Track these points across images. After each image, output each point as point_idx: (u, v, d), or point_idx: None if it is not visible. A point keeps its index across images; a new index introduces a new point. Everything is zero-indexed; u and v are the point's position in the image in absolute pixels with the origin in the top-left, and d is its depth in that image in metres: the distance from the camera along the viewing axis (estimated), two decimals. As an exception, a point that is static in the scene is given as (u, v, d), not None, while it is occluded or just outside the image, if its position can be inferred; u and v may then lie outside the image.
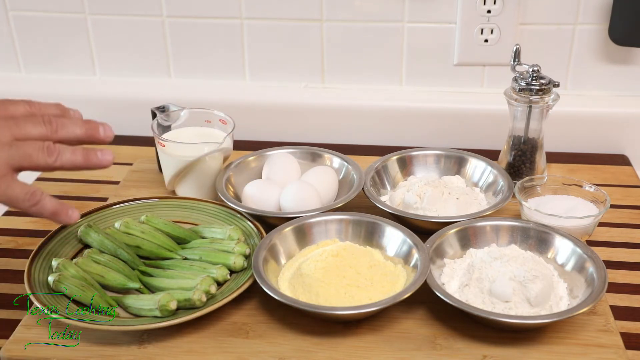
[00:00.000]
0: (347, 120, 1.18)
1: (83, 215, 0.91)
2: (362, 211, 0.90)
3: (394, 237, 0.86)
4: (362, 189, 0.94)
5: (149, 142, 1.09)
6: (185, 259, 0.86)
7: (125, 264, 0.85)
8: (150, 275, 0.84)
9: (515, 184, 0.94)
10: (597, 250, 0.84)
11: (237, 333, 0.78)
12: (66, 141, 0.67)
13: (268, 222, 0.91)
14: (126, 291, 0.82)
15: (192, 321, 0.77)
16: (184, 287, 0.80)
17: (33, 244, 0.91)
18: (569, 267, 0.83)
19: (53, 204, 0.66)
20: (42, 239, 0.87)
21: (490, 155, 1.03)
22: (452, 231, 0.86)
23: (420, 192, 0.93)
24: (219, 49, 1.18)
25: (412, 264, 0.82)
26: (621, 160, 1.13)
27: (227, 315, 0.80)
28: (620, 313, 0.81)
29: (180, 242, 0.89)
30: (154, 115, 1.01)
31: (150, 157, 1.10)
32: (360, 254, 0.84)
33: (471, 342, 0.76)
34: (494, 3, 1.09)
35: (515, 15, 1.10)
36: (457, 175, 1.01)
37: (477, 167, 1.01)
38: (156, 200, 0.96)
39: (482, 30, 1.12)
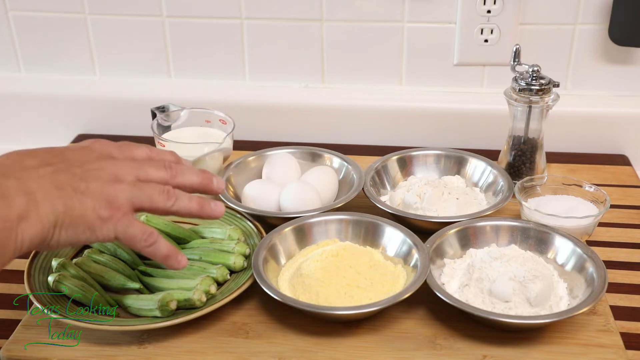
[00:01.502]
0: (347, 120, 1.18)
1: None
2: (362, 211, 0.90)
3: (394, 237, 0.86)
4: (362, 189, 0.94)
5: (149, 142, 1.09)
6: (185, 259, 0.86)
7: (125, 264, 0.85)
8: (150, 275, 0.84)
9: (515, 184, 0.94)
10: (597, 250, 0.84)
11: (237, 333, 0.78)
12: (182, 188, 0.70)
13: (268, 222, 0.91)
14: (126, 291, 0.82)
15: (192, 321, 0.77)
16: (184, 287, 0.80)
17: (33, 244, 0.91)
18: (569, 267, 0.83)
19: (167, 247, 0.68)
20: (42, 239, 0.87)
21: (490, 155, 1.03)
22: (452, 231, 0.86)
23: (420, 192, 0.93)
24: (219, 49, 1.18)
25: (412, 264, 0.82)
26: (621, 160, 1.13)
27: (227, 315, 0.80)
28: (620, 313, 0.81)
29: (180, 242, 0.89)
30: (154, 115, 1.01)
31: (150, 157, 1.10)
32: (360, 254, 0.84)
33: (471, 342, 0.76)
34: (494, 3, 1.09)
35: (515, 15, 1.10)
36: (457, 175, 1.01)
37: (477, 167, 1.01)
38: (156, 200, 0.96)
39: (482, 30, 1.12)
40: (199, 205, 0.70)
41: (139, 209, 0.66)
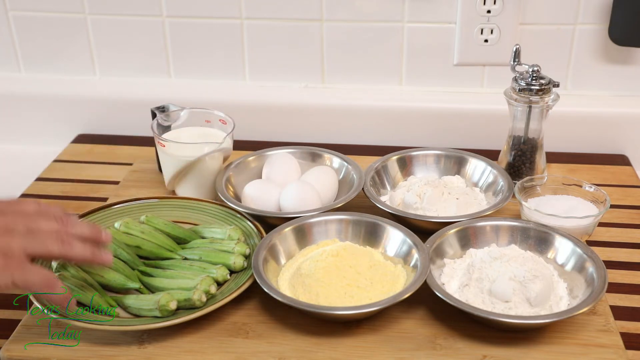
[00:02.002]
0: (347, 120, 1.18)
1: (83, 216, 0.92)
2: (362, 211, 0.90)
3: (394, 237, 0.86)
4: (362, 189, 0.94)
5: (149, 142, 1.09)
6: (185, 259, 0.86)
7: (125, 264, 0.85)
8: (150, 275, 0.84)
9: (515, 184, 0.94)
10: (597, 250, 0.84)
11: (237, 333, 0.78)
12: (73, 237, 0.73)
13: (268, 222, 0.91)
14: (126, 291, 0.82)
15: (192, 321, 0.77)
16: (184, 287, 0.80)
17: (33, 244, 0.91)
18: (569, 267, 0.83)
19: (61, 296, 0.72)
20: (42, 239, 0.86)
21: (490, 155, 1.03)
22: (452, 231, 0.86)
23: (420, 192, 0.93)
24: (219, 49, 1.18)
25: (412, 264, 0.82)
26: (621, 160, 1.13)
27: (227, 315, 0.80)
28: (620, 313, 0.81)
29: (180, 242, 0.89)
30: (154, 115, 1.01)
31: (150, 157, 1.10)
32: (360, 254, 0.84)
33: (471, 342, 0.76)
34: (494, 3, 1.09)
35: (515, 15, 1.10)
36: (457, 175, 1.01)
37: (477, 167, 1.01)
38: (156, 200, 0.96)
39: (482, 30, 1.12)
40: (92, 252, 0.73)
41: (33, 256, 0.69)
